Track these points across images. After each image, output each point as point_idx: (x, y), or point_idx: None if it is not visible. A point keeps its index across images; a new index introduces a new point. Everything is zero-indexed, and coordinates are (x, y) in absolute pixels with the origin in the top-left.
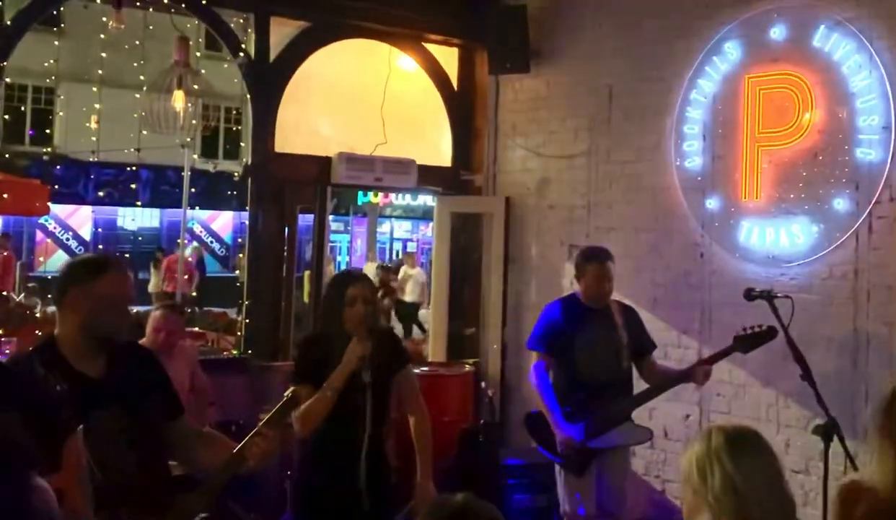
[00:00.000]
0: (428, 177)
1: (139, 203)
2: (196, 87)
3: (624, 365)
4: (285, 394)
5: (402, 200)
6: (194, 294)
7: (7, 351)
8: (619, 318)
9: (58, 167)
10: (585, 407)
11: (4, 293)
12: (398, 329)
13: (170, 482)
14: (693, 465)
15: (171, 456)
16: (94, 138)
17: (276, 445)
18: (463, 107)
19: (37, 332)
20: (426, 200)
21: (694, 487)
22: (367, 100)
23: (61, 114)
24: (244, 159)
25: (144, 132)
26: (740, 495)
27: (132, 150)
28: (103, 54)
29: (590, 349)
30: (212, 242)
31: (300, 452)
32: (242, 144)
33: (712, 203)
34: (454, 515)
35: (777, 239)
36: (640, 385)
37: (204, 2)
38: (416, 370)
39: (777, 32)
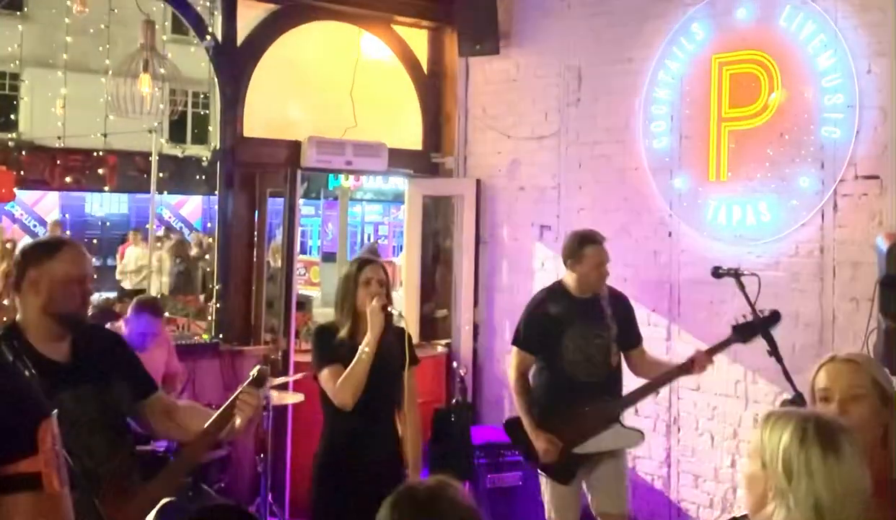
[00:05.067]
0: (399, 160)
1: (107, 189)
2: (163, 71)
3: (613, 362)
4: (252, 372)
5: (373, 183)
6: (165, 279)
7: None
8: (609, 308)
9: (23, 153)
10: (571, 408)
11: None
12: None
13: (137, 465)
14: (779, 456)
15: (154, 432)
16: (60, 124)
17: (261, 404)
18: (433, 89)
19: (3, 318)
20: (397, 183)
21: (775, 478)
22: (337, 83)
23: (26, 99)
24: (213, 144)
25: (111, 117)
26: (821, 514)
27: (99, 135)
28: (68, 39)
29: (577, 346)
30: (181, 227)
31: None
32: (211, 129)
33: (680, 183)
34: (425, 501)
35: (744, 218)
36: (628, 382)
37: None
38: None
39: (743, 13)
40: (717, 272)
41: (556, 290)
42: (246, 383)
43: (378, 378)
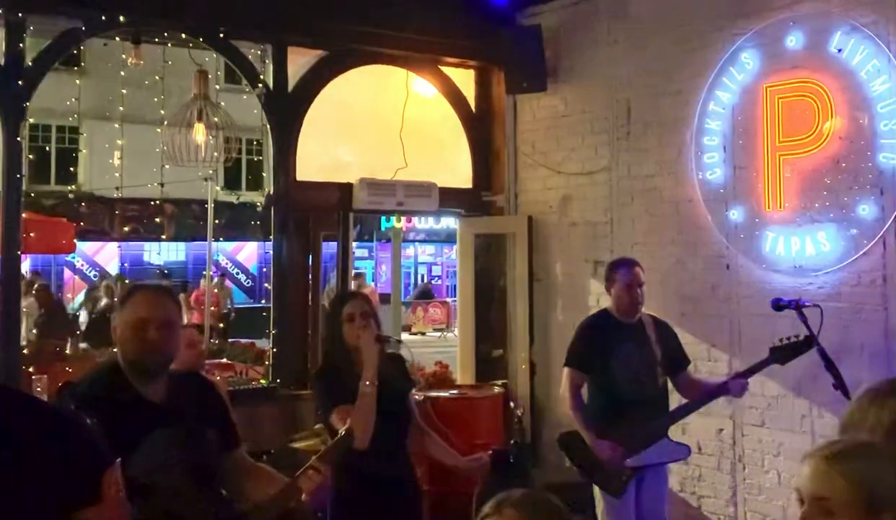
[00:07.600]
0: (449, 199)
1: (164, 237)
2: (216, 119)
3: (659, 381)
4: (340, 431)
5: (425, 223)
6: (221, 325)
7: (38, 388)
8: (653, 332)
9: (83, 204)
10: (621, 425)
11: (34, 331)
12: None
13: (224, 512)
14: None
15: (227, 487)
16: (117, 175)
17: (328, 479)
18: (482, 128)
19: (67, 368)
20: (449, 222)
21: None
22: (386, 125)
23: (84, 152)
24: (266, 189)
25: (167, 167)
26: None
27: (156, 184)
28: (124, 91)
29: (625, 366)
30: (237, 273)
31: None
32: (264, 175)
33: (735, 214)
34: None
35: (803, 248)
36: (674, 401)
37: (221, 35)
38: (445, 393)
39: (793, 40)
40: (777, 305)
41: (602, 315)
42: (329, 446)
43: (383, 416)
